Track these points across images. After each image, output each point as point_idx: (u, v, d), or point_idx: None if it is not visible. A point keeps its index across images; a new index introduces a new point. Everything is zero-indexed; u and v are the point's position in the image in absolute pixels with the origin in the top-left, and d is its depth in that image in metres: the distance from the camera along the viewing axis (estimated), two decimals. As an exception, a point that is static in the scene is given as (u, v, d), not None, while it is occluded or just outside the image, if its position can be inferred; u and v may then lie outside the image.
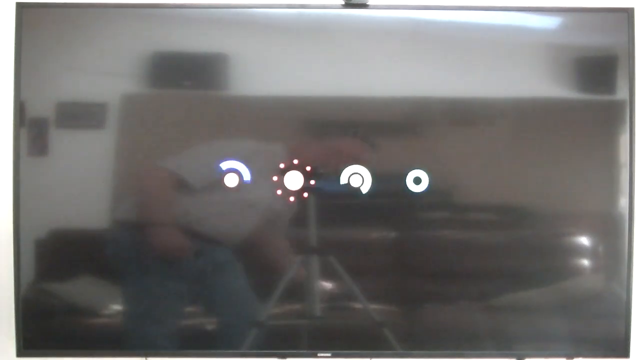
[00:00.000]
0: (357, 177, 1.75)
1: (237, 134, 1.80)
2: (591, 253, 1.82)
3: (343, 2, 1.77)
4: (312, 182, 1.75)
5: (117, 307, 1.82)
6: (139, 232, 1.78)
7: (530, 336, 1.81)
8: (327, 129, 1.81)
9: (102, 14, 1.77)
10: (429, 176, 1.75)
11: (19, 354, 1.77)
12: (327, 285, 1.79)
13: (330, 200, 1.77)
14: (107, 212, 1.80)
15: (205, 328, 1.84)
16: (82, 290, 1.81)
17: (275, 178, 1.75)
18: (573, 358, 1.80)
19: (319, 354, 1.78)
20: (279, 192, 1.75)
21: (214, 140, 1.80)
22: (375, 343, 1.80)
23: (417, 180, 1.75)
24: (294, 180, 1.75)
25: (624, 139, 1.77)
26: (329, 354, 1.78)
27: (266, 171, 1.76)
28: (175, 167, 1.77)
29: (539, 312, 1.81)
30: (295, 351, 1.80)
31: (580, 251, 1.82)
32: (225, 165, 1.75)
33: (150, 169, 1.79)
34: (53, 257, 1.80)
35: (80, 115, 1.79)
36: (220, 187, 1.75)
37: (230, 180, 1.75)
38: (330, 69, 1.78)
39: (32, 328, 1.77)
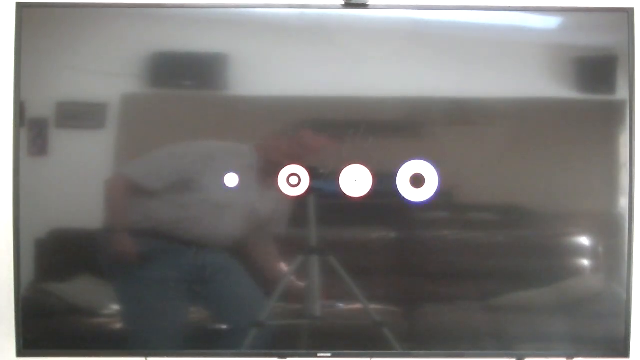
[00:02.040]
0: (357, 177, 1.75)
1: (237, 134, 1.80)
2: (591, 253, 1.82)
3: (343, 2, 1.77)
4: (312, 182, 1.75)
5: (117, 307, 1.82)
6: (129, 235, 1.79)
7: (530, 336, 1.81)
8: (327, 129, 1.80)
9: (102, 14, 1.77)
10: (428, 176, 1.75)
11: (19, 354, 1.77)
12: (327, 285, 1.79)
13: (330, 200, 1.77)
14: (106, 213, 1.80)
15: (206, 328, 1.84)
16: (82, 290, 1.81)
17: (275, 178, 1.76)
18: (573, 358, 1.80)
19: (319, 354, 1.78)
20: (278, 192, 1.75)
21: (194, 141, 1.80)
22: (375, 343, 1.80)
23: (417, 180, 1.76)
24: (293, 180, 1.75)
25: (624, 139, 1.77)
26: (329, 354, 1.78)
27: (266, 174, 1.77)
28: (130, 172, 1.77)
29: (539, 312, 1.81)
30: (295, 351, 1.80)
31: (580, 251, 1.82)
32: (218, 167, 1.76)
33: (110, 177, 1.78)
34: (53, 257, 1.80)
35: (80, 115, 1.79)
36: (206, 188, 1.77)
37: (229, 181, 1.75)
38: (330, 69, 1.78)
39: (32, 328, 1.77)
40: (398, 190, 1.76)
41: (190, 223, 1.78)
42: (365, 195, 1.75)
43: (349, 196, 1.75)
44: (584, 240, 1.83)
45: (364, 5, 1.77)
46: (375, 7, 1.77)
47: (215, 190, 1.76)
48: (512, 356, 1.80)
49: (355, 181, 1.75)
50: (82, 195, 1.78)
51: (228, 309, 1.85)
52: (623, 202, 1.77)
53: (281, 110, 1.79)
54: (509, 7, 1.82)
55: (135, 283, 1.81)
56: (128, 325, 1.82)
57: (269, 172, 1.76)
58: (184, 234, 1.77)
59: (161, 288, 1.81)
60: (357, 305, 1.79)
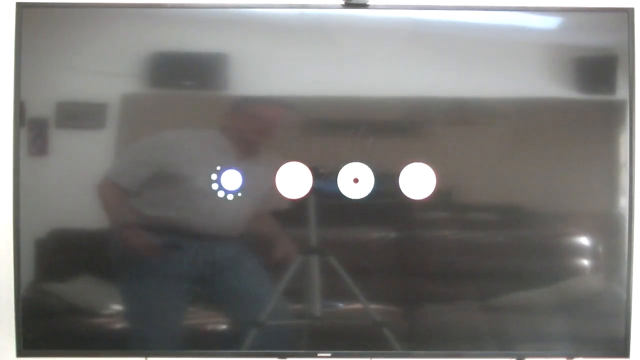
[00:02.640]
0: (357, 177, 1.76)
1: (237, 134, 1.80)
2: (591, 253, 1.82)
3: (343, 2, 1.77)
4: (313, 182, 1.75)
5: (117, 307, 1.82)
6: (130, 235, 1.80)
7: (530, 336, 1.81)
8: (327, 129, 1.81)
9: (102, 14, 1.77)
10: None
11: (19, 354, 1.77)
12: (327, 285, 1.79)
13: (330, 200, 1.77)
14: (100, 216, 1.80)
15: (206, 328, 1.84)
16: (82, 290, 1.81)
17: (275, 178, 1.76)
18: (573, 358, 1.80)
19: (319, 354, 1.78)
20: (278, 192, 1.75)
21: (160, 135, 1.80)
22: (375, 343, 1.80)
23: (417, 181, 1.76)
24: (293, 180, 1.75)
25: (624, 139, 1.77)
26: (329, 354, 1.78)
27: (266, 174, 1.77)
28: (112, 175, 1.78)
29: (539, 312, 1.81)
30: (295, 351, 1.80)
31: (580, 251, 1.82)
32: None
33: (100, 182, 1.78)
34: (53, 257, 1.80)
35: (80, 115, 1.79)
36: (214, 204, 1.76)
37: (227, 182, 1.76)
38: (330, 69, 1.78)
39: (32, 328, 1.77)
40: (398, 191, 1.76)
41: (180, 219, 1.77)
42: (365, 196, 1.75)
43: (348, 196, 1.76)
44: (584, 240, 1.83)
45: (364, 5, 1.77)
46: (375, 7, 1.77)
47: (200, 184, 1.76)
48: (512, 356, 1.80)
49: (355, 181, 1.75)
50: (82, 195, 1.78)
51: (228, 308, 1.85)
52: (623, 202, 1.77)
53: (280, 110, 1.79)
54: (509, 7, 1.82)
55: (134, 283, 1.81)
56: (128, 325, 1.82)
57: (245, 153, 1.76)
58: (179, 232, 1.77)
59: (161, 288, 1.81)
60: (357, 305, 1.79)
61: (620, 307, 1.78)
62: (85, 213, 1.79)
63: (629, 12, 1.76)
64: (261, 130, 1.78)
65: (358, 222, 1.81)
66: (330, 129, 1.80)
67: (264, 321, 1.79)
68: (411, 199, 1.76)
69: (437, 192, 1.76)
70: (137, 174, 1.78)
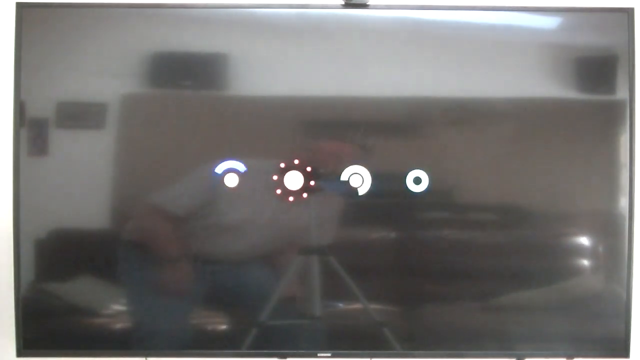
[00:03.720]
0: (357, 177, 1.75)
1: (237, 134, 1.80)
2: (591, 253, 1.82)
3: (343, 2, 1.77)
4: (312, 182, 1.75)
5: (117, 307, 1.82)
6: (139, 239, 1.80)
7: (530, 336, 1.81)
8: (327, 129, 1.81)
9: (102, 14, 1.77)
10: (429, 176, 1.75)
11: (19, 354, 1.77)
12: (327, 285, 1.79)
13: (330, 200, 1.77)
14: (107, 212, 1.80)
15: (206, 328, 1.84)
16: (82, 290, 1.81)
17: (274, 179, 1.75)
18: (573, 358, 1.80)
19: (319, 354, 1.78)
20: (279, 192, 1.75)
21: (204, 159, 1.78)
22: (375, 343, 1.80)
23: (417, 180, 1.76)
24: (294, 180, 1.75)
25: (624, 139, 1.77)
26: (329, 354, 1.78)
27: (265, 174, 1.77)
28: (160, 201, 1.78)
29: (539, 312, 1.81)
30: (295, 351, 1.80)
31: (580, 251, 1.83)
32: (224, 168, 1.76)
33: (143, 207, 1.79)
34: (53, 257, 1.80)
35: (80, 115, 1.79)
36: (216, 203, 1.77)
37: (230, 182, 1.75)
38: (330, 69, 1.78)
39: (32, 328, 1.77)
40: (398, 191, 1.76)
41: (201, 235, 1.78)
42: (365, 196, 1.75)
43: (348, 196, 1.75)
44: (584, 240, 1.83)
45: (364, 5, 1.77)
46: (375, 7, 1.77)
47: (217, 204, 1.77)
48: (512, 356, 1.81)
49: (355, 181, 1.75)
50: (82, 195, 1.78)
51: (228, 308, 1.84)
52: (623, 202, 1.77)
53: (280, 110, 1.79)
54: (509, 7, 1.82)
55: (135, 283, 1.81)
56: (128, 325, 1.82)
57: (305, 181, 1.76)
58: (193, 245, 1.79)
59: (161, 288, 1.81)
60: (357, 305, 1.79)
61: (620, 307, 1.78)
62: (85, 213, 1.79)
63: (629, 12, 1.76)
64: (325, 165, 1.78)
65: (358, 222, 1.81)
66: (329, 129, 1.80)
67: (264, 321, 1.79)
68: (411, 199, 1.76)
69: (438, 193, 1.76)
70: (189, 202, 1.78)
